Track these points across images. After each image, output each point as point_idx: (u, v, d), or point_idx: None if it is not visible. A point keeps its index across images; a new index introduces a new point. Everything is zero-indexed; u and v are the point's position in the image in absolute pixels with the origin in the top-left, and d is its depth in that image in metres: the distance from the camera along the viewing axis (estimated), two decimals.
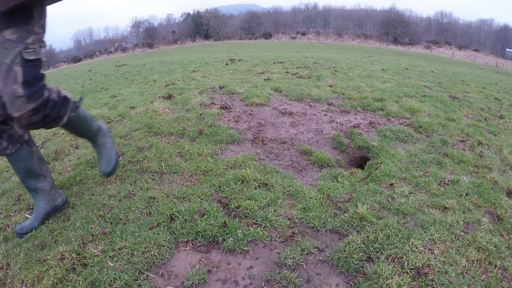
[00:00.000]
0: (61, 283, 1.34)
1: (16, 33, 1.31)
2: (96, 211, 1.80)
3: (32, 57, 1.36)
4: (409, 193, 1.89)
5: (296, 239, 1.55)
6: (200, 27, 37.45)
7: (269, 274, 1.36)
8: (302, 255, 1.45)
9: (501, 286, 1.30)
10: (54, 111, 1.48)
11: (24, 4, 1.29)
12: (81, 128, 1.80)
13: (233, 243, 1.50)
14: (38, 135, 3.29)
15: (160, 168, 2.23)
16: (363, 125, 3.00)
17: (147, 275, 1.36)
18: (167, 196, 1.88)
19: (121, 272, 1.36)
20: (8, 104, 1.37)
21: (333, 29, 40.92)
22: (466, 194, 1.87)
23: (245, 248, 1.49)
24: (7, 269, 1.50)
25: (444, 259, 1.40)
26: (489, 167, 2.34)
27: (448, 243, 1.49)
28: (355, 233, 1.56)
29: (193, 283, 1.32)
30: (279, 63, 7.10)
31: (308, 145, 2.57)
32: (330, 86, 4.45)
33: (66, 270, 1.39)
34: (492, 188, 1.94)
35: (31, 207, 1.99)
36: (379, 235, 1.51)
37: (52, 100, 1.46)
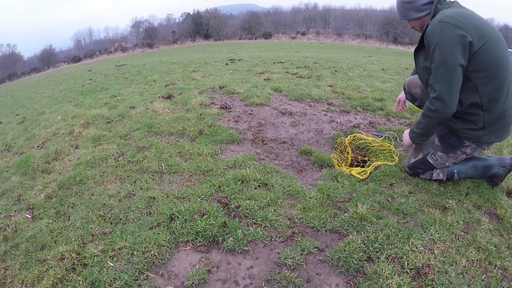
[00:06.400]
0: (61, 283, 1.34)
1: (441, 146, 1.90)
2: (96, 211, 1.80)
3: (429, 160, 1.94)
4: (409, 193, 1.89)
5: (296, 239, 1.55)
6: (200, 27, 37.42)
7: (269, 274, 1.36)
8: (302, 255, 1.45)
9: (501, 286, 1.30)
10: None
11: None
12: None
13: (233, 243, 1.50)
14: (38, 135, 3.29)
15: (160, 168, 2.23)
16: (363, 125, 3.00)
17: (147, 275, 1.36)
18: (167, 196, 1.88)
19: (121, 272, 1.36)
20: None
21: (333, 29, 40.85)
22: (466, 194, 1.87)
23: (245, 248, 1.49)
24: (6, 269, 1.50)
25: (444, 259, 1.40)
26: None
27: (448, 243, 1.49)
28: (355, 233, 1.56)
29: (193, 283, 1.32)
30: (279, 63, 7.10)
31: (308, 145, 2.57)
32: (330, 86, 4.45)
33: (66, 270, 1.39)
34: (492, 188, 1.95)
35: (31, 207, 1.99)
36: (379, 235, 1.51)
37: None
